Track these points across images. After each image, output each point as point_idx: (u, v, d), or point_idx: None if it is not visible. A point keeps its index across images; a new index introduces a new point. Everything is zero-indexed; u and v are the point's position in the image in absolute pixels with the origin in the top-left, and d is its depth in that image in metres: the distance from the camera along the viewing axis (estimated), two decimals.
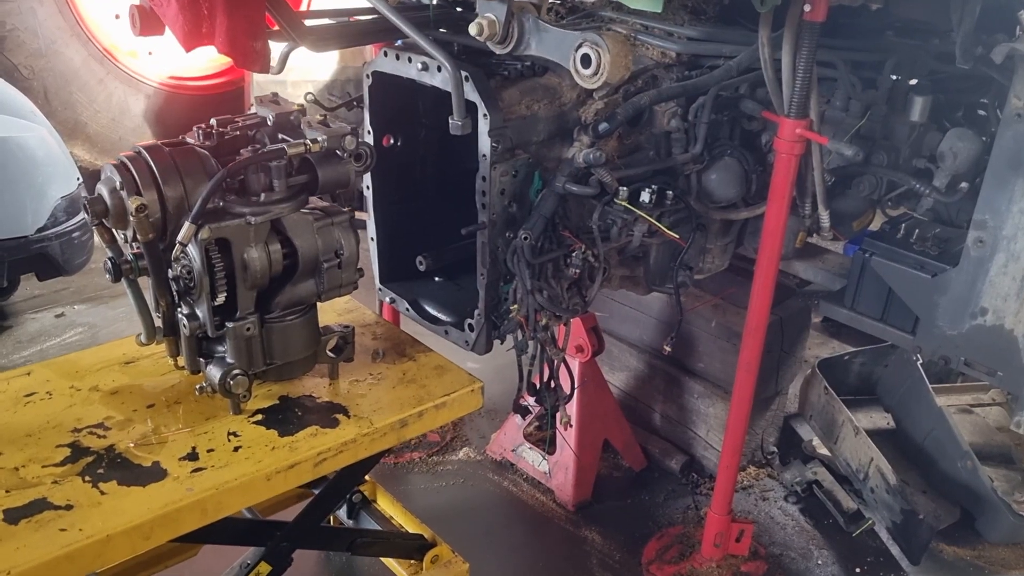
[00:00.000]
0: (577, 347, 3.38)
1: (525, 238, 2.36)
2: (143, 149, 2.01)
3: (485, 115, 2.28)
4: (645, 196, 2.47)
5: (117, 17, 6.25)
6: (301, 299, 2.20)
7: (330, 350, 2.31)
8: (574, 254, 2.44)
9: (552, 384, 2.69)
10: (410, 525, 2.84)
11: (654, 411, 3.80)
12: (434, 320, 2.77)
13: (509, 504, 3.50)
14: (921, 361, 3.57)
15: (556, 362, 2.61)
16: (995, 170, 2.40)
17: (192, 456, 2.01)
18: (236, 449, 2.04)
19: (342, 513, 2.91)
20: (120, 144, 6.20)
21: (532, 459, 3.59)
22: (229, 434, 2.09)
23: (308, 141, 2.08)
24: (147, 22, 2.35)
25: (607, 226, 2.48)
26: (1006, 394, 3.82)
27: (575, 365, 3.41)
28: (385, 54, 2.53)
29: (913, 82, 2.78)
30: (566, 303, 2.52)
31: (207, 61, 6.72)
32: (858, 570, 3.20)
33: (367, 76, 2.63)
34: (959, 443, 3.29)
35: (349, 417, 2.18)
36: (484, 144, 2.31)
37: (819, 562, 3.24)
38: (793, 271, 3.32)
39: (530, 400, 2.77)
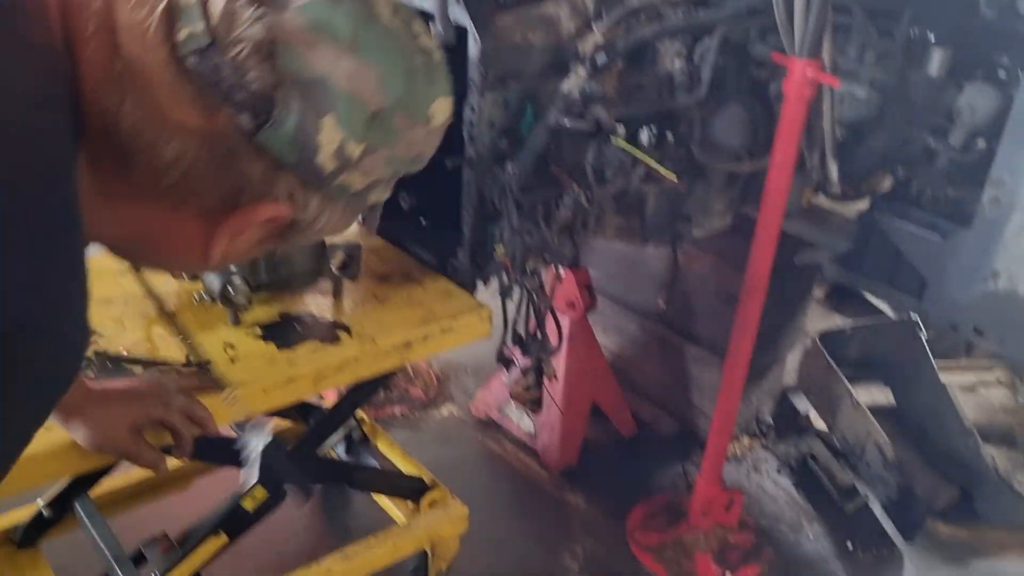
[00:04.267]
0: (569, 303, 3.25)
1: (514, 174, 2.22)
2: None
3: (476, 39, 2.14)
4: (644, 136, 2.33)
5: None
6: None
7: (336, 267, 2.20)
8: (566, 195, 2.31)
9: (538, 334, 2.57)
10: (408, 468, 2.76)
11: (647, 376, 3.67)
12: (424, 262, 2.63)
13: (492, 464, 3.39)
14: (926, 335, 3.44)
15: (543, 310, 2.48)
16: (1016, 124, 2.26)
17: (187, 366, 1.92)
18: (232, 361, 1.96)
19: (341, 451, 2.81)
20: None
21: (517, 418, 3.47)
22: (226, 345, 2.01)
23: None
24: None
25: (602, 167, 2.35)
26: (1012, 374, 3.69)
27: (565, 323, 3.29)
28: None
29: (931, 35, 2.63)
30: (556, 248, 2.39)
31: None
32: (850, 544, 3.08)
33: None
34: (961, 420, 3.16)
35: (351, 335, 2.10)
36: (473, 70, 2.17)
37: (810, 536, 3.12)
38: (796, 231, 3.17)
39: (517, 355, 2.64)
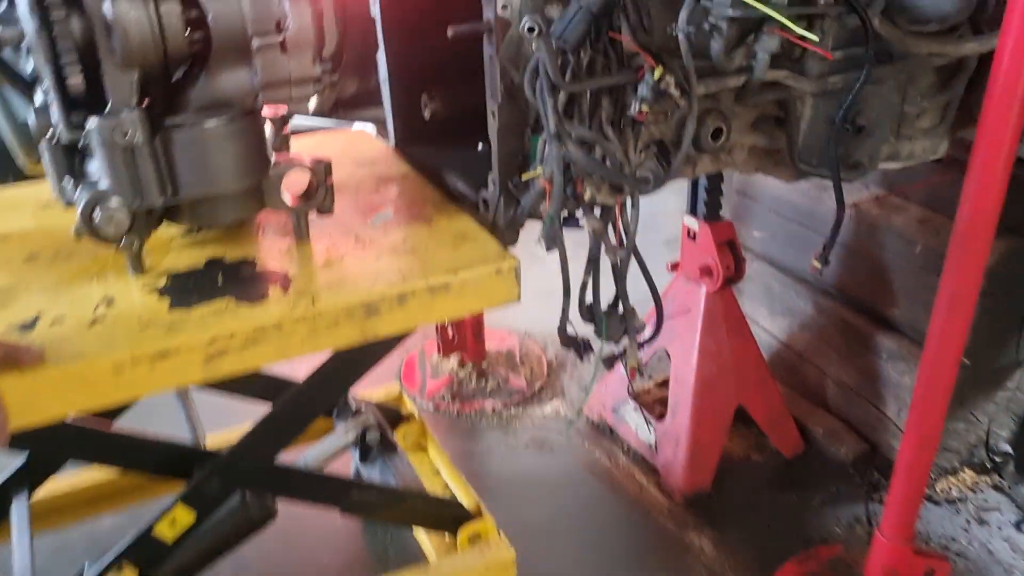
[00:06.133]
0: (704, 269, 2.35)
1: (560, 43, 1.39)
2: None
3: None
4: None
5: None
6: (224, 97, 1.40)
7: (297, 197, 1.53)
8: (641, 84, 1.44)
9: (619, 306, 1.71)
10: (458, 488, 2.08)
11: (824, 375, 2.68)
12: (458, 196, 1.85)
13: (597, 483, 2.55)
14: None
15: (620, 266, 1.63)
16: None
17: (28, 326, 1.32)
18: (93, 323, 1.33)
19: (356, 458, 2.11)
20: None
21: (635, 424, 2.60)
22: (102, 301, 1.39)
23: None
24: None
25: (703, 37, 1.46)
26: None
27: (700, 295, 2.39)
28: None
29: None
30: (630, 167, 1.52)
31: None
32: None
33: None
34: None
35: (287, 292, 1.40)
36: None
37: None
38: None
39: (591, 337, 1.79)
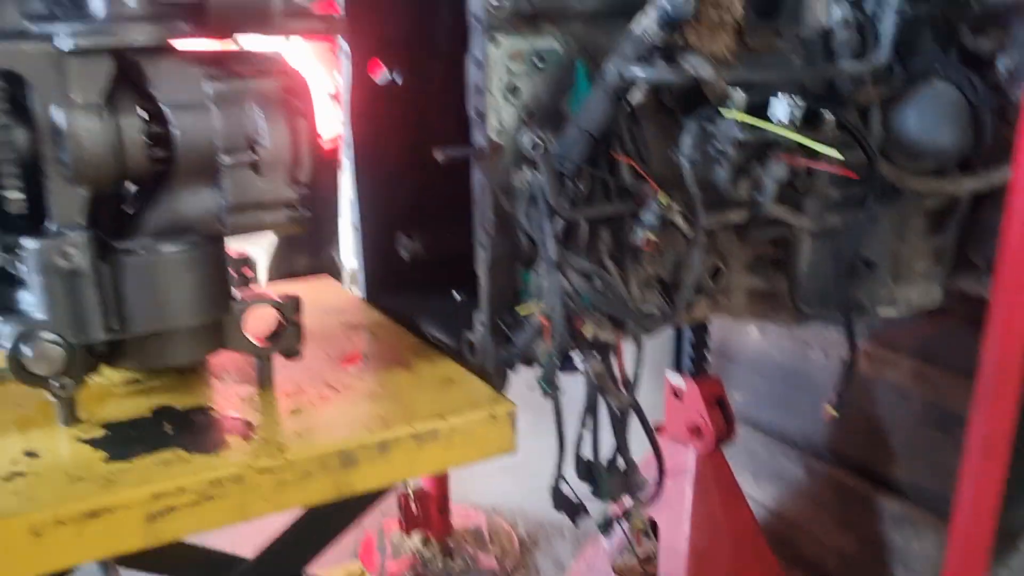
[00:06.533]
0: (692, 428, 2.19)
1: (552, 171, 1.29)
2: None
3: None
4: (781, 108, 1.34)
5: None
6: (185, 221, 1.25)
7: (262, 337, 1.34)
8: (646, 211, 1.35)
9: (618, 459, 1.54)
10: None
11: (822, 545, 2.48)
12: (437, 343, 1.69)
13: None
14: None
15: (619, 414, 1.46)
16: None
17: None
18: (12, 477, 1.11)
19: None
20: None
21: None
22: (26, 453, 1.17)
23: None
24: None
25: (708, 161, 1.38)
26: None
27: (689, 458, 2.22)
28: None
29: None
30: (633, 302, 1.40)
31: None
32: None
33: None
34: None
35: (249, 439, 1.21)
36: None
37: None
38: None
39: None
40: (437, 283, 1.81)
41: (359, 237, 1.85)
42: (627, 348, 1.46)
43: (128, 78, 1.18)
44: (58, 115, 1.12)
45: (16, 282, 1.24)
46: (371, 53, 1.76)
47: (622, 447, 1.53)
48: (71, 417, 1.25)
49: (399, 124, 1.82)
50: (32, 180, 1.15)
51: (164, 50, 1.19)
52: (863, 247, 1.67)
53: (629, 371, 1.47)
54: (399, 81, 1.81)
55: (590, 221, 1.37)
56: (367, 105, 1.77)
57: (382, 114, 1.79)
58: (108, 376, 1.37)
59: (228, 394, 1.37)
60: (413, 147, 1.85)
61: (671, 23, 1.26)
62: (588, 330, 1.39)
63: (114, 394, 1.36)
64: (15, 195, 1.14)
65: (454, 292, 1.78)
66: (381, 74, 1.79)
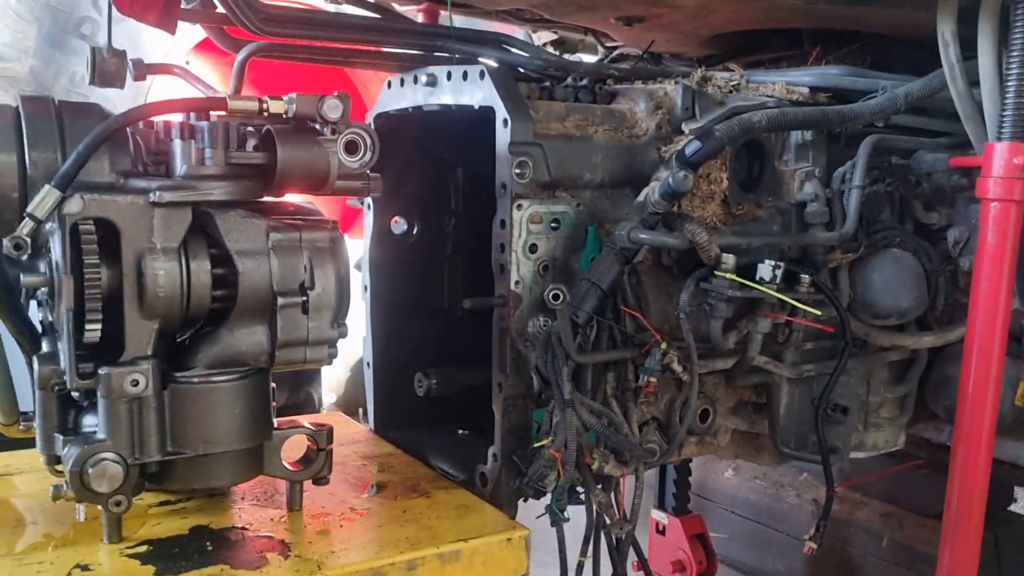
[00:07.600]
0: (676, 564, 2.29)
1: (576, 314, 1.46)
2: (21, 98, 1.34)
3: (506, 121, 1.48)
4: (765, 270, 1.54)
5: None
6: (238, 355, 1.37)
7: (293, 462, 1.47)
8: (649, 357, 1.51)
9: None
10: None
11: None
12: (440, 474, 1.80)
13: None
14: None
15: (617, 541, 1.58)
16: None
17: None
18: None
19: None
20: None
21: None
22: (75, 567, 1.25)
23: (265, 99, 1.35)
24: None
25: (703, 316, 1.55)
26: None
27: None
28: (389, 85, 1.82)
29: None
30: (636, 439, 1.54)
31: None
32: None
33: (370, 124, 1.91)
34: None
35: (287, 557, 1.30)
36: (504, 167, 1.50)
37: None
38: (1010, 457, 2.17)
39: None
40: (442, 419, 1.95)
41: (371, 373, 1.98)
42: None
43: (198, 226, 1.34)
44: (141, 258, 1.27)
45: (78, 407, 1.36)
46: (394, 211, 1.94)
47: (616, 568, 1.63)
48: (116, 534, 1.33)
49: (411, 271, 1.99)
50: (108, 314, 1.29)
51: (233, 203, 1.36)
52: (838, 395, 1.84)
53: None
54: (414, 232, 2.00)
55: (596, 365, 1.53)
56: (385, 254, 1.94)
57: (397, 262, 1.96)
58: (140, 497, 1.46)
59: (258, 515, 1.46)
60: (424, 292, 2.03)
61: (673, 195, 1.46)
62: (595, 464, 1.52)
63: (149, 514, 1.45)
64: (95, 327, 1.26)
65: (460, 430, 1.92)
66: (396, 225, 1.98)
